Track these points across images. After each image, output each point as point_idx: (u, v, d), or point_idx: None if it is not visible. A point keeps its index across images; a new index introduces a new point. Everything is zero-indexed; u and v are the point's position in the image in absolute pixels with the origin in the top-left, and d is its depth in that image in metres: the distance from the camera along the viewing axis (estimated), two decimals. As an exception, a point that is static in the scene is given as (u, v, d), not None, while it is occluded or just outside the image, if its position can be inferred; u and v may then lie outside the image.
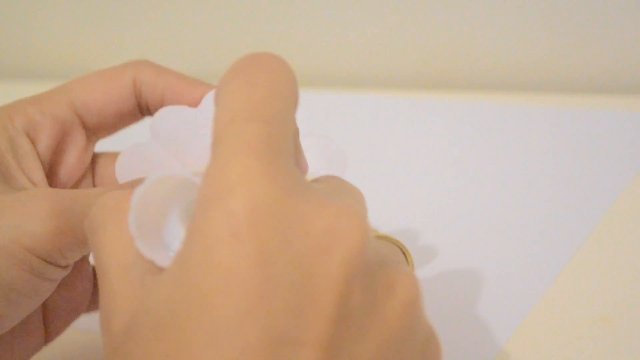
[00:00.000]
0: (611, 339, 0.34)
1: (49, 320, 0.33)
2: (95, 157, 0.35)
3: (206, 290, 0.20)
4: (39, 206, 0.28)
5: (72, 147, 0.33)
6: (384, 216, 0.45)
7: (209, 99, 0.33)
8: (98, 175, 0.34)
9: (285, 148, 0.22)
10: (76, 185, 0.34)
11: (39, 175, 0.32)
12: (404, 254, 0.30)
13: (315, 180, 0.25)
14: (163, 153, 0.32)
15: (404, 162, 0.51)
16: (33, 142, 0.32)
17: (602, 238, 0.41)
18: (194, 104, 0.33)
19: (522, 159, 0.49)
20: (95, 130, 0.34)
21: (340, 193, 0.24)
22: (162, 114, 0.32)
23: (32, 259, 0.28)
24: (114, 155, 0.33)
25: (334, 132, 0.58)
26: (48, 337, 0.33)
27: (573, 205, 0.44)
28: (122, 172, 0.32)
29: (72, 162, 0.33)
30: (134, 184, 0.28)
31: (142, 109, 0.34)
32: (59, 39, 0.74)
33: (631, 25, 0.58)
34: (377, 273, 0.22)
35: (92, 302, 0.35)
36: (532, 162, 0.49)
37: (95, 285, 0.34)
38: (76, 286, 0.33)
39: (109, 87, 0.34)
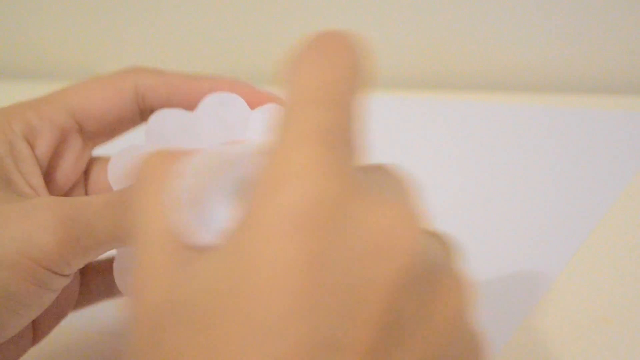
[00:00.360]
0: (611, 339, 0.34)
1: (38, 321, 0.33)
2: (89, 161, 0.35)
3: (255, 284, 0.19)
4: (44, 216, 0.28)
5: (69, 152, 0.33)
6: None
7: (206, 102, 0.32)
8: (91, 179, 0.34)
9: (348, 137, 0.21)
10: (71, 189, 0.34)
11: (37, 180, 0.32)
12: (455, 250, 0.29)
13: (367, 170, 0.24)
14: None
15: (403, 162, 0.51)
16: (31, 147, 0.32)
17: (603, 238, 0.41)
18: (200, 99, 0.33)
19: (522, 158, 0.49)
20: (93, 136, 0.34)
21: (396, 189, 0.23)
22: (158, 116, 0.32)
23: (37, 269, 0.28)
24: (107, 160, 0.33)
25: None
26: (36, 338, 0.33)
27: (574, 204, 0.44)
28: (115, 175, 0.32)
29: (68, 167, 0.33)
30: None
31: (145, 114, 0.34)
32: (59, 39, 0.74)
33: (631, 25, 0.58)
34: (428, 279, 0.21)
35: (79, 300, 0.35)
36: (532, 162, 0.49)
37: (82, 284, 0.34)
38: (65, 286, 0.33)
39: (109, 93, 0.33)
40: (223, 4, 0.67)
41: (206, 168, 0.23)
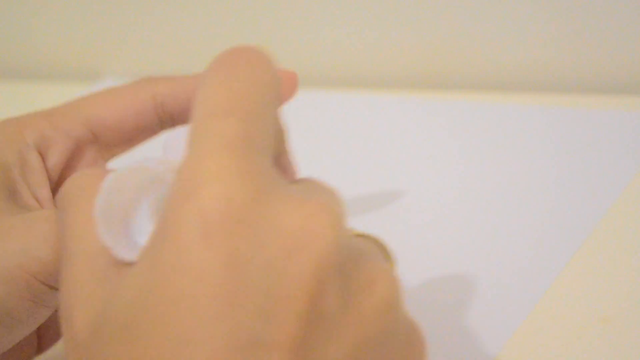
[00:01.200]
0: (611, 339, 0.34)
1: (42, 332, 0.32)
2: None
3: (175, 293, 0.19)
4: (43, 229, 0.28)
5: (83, 163, 0.33)
6: (382, 217, 0.45)
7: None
8: None
9: (262, 145, 0.22)
10: None
11: (45, 192, 0.31)
12: (384, 251, 0.30)
13: (293, 182, 0.25)
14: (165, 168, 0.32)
15: (401, 162, 0.51)
16: (43, 158, 0.32)
17: (603, 238, 0.41)
18: None
19: (522, 159, 0.49)
20: (109, 147, 0.33)
21: (316, 191, 0.23)
22: (179, 132, 0.32)
23: (35, 284, 0.27)
24: None
25: (333, 132, 0.57)
26: (40, 348, 0.32)
27: (573, 204, 0.44)
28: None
29: None
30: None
31: (165, 123, 0.34)
32: (59, 39, 0.74)
33: (631, 25, 0.58)
34: (353, 271, 0.21)
35: None
36: (532, 162, 0.49)
37: None
38: None
39: (128, 102, 0.33)
40: (223, 5, 0.67)
41: (133, 184, 0.23)
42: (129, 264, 0.22)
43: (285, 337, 0.19)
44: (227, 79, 0.22)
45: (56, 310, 0.32)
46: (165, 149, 0.31)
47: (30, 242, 0.27)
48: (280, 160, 0.25)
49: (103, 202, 0.22)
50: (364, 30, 0.64)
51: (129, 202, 0.23)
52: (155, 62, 0.71)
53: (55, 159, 0.32)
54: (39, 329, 0.32)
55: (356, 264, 0.22)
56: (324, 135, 0.55)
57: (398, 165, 0.51)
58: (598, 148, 0.49)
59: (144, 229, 0.23)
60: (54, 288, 0.28)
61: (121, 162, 0.34)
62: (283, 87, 0.24)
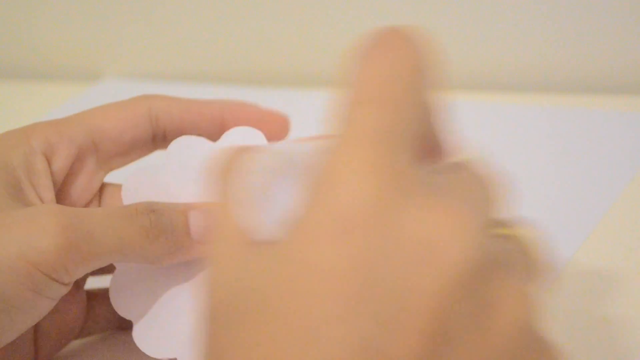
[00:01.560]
0: (611, 338, 0.34)
1: (40, 344, 0.33)
2: (103, 186, 0.35)
3: (301, 287, 0.19)
4: (46, 221, 0.28)
5: (84, 171, 0.34)
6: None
7: (229, 134, 0.34)
8: (104, 203, 0.35)
9: (408, 138, 0.21)
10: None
11: (49, 194, 0.32)
12: (529, 255, 0.25)
13: (446, 169, 0.23)
14: (171, 179, 0.33)
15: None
16: (48, 162, 0.33)
17: (603, 237, 0.41)
18: (213, 121, 0.35)
19: (522, 159, 0.49)
20: (108, 158, 0.35)
21: (456, 189, 0.22)
22: (180, 142, 0.34)
23: (35, 274, 0.28)
24: (120, 187, 0.34)
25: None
26: None
27: (573, 204, 0.44)
28: (128, 195, 0.33)
29: (82, 185, 0.34)
30: None
31: (157, 139, 0.35)
32: (59, 39, 0.74)
33: (631, 25, 0.58)
34: (483, 288, 0.20)
35: (85, 328, 0.35)
36: (532, 162, 0.49)
37: (88, 311, 0.35)
38: (69, 310, 0.34)
39: (126, 114, 0.35)
40: (223, 6, 0.67)
41: (274, 165, 0.23)
42: (267, 246, 0.21)
43: (409, 350, 0.19)
44: (383, 64, 0.21)
45: (55, 325, 0.33)
46: (169, 156, 0.33)
47: (32, 233, 0.28)
48: (431, 138, 0.24)
49: (250, 183, 0.23)
50: (364, 30, 0.64)
51: (270, 182, 0.23)
52: (155, 62, 0.71)
53: (60, 163, 0.33)
54: (36, 341, 0.33)
55: (486, 279, 0.20)
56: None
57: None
58: (598, 148, 0.49)
59: (283, 207, 0.23)
60: (55, 280, 0.28)
61: (117, 178, 0.35)
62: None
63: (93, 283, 0.36)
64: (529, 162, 0.49)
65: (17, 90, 0.72)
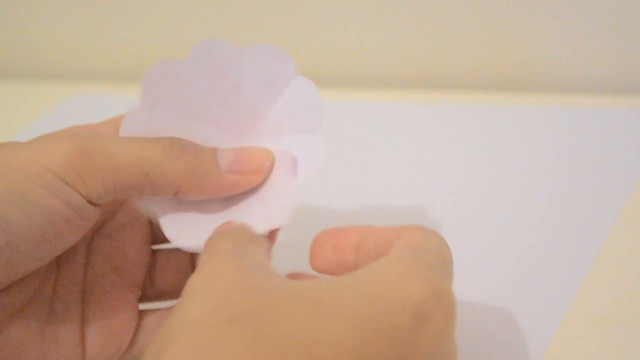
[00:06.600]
0: (611, 338, 0.34)
1: (88, 352, 0.34)
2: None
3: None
4: (60, 135, 0.31)
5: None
6: (382, 219, 0.45)
7: (198, 46, 0.36)
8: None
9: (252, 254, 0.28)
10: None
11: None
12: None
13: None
14: (192, 77, 0.35)
15: (404, 163, 0.51)
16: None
17: (615, 239, 0.40)
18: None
19: (523, 159, 0.49)
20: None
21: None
22: (153, 70, 0.35)
23: (46, 174, 0.29)
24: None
25: (333, 132, 0.57)
26: None
27: (586, 205, 0.43)
28: (148, 87, 0.35)
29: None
30: None
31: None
32: (59, 39, 0.74)
33: (631, 25, 0.58)
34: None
35: (133, 344, 0.35)
36: (536, 162, 0.49)
37: (138, 328, 0.35)
38: (119, 322, 0.35)
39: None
40: (223, 6, 0.67)
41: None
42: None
43: None
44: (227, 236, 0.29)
45: (101, 327, 0.34)
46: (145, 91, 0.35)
47: (46, 142, 0.30)
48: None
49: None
50: (364, 30, 0.65)
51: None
52: (155, 63, 0.71)
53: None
54: (83, 343, 0.33)
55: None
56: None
57: (399, 166, 0.51)
58: (604, 148, 0.49)
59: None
60: (70, 185, 0.30)
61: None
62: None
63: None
64: (532, 163, 0.49)
65: (17, 90, 0.72)
